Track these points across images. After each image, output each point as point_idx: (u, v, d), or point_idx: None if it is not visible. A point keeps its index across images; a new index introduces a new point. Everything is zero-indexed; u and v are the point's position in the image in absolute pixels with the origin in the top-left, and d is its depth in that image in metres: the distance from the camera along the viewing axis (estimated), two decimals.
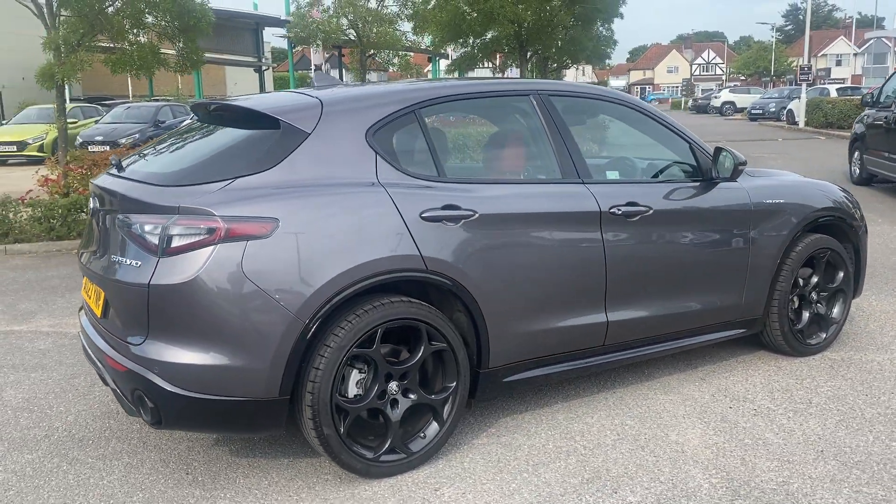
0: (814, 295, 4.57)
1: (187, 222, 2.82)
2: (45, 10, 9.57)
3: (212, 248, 2.80)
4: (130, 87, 33.24)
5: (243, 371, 2.85)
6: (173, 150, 3.39)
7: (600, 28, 20.54)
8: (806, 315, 4.54)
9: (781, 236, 4.26)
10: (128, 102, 22.93)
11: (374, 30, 16.62)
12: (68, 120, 20.12)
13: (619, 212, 3.64)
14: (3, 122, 23.41)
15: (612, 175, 4.04)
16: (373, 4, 17.63)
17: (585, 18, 18.29)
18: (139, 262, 2.89)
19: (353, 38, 17.57)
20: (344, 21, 16.77)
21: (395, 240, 3.05)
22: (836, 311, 4.69)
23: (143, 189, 3.01)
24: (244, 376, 2.86)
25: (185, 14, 9.80)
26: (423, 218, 3.13)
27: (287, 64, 40.36)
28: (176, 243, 2.82)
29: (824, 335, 4.63)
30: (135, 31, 9.94)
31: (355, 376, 3.10)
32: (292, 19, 19.53)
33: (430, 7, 16.90)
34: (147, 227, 2.88)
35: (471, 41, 17.92)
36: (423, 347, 3.18)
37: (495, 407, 3.87)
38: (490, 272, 3.30)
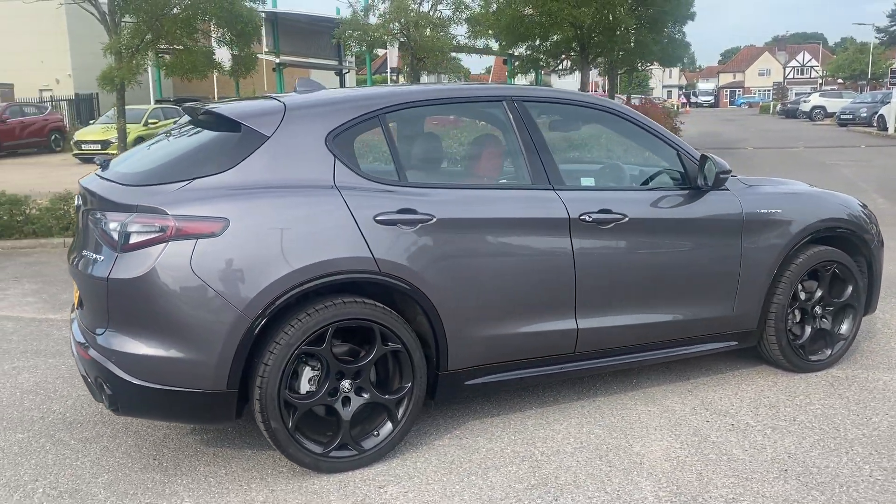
0: (818, 309, 4.40)
1: (143, 220, 2.98)
2: (107, 17, 10.15)
3: (163, 245, 2.95)
4: (216, 89, 34.53)
5: (191, 364, 2.99)
6: (152, 151, 3.57)
7: (672, 31, 20.07)
8: (808, 330, 4.38)
9: (778, 247, 4.13)
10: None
11: (426, 33, 16.72)
12: (150, 120, 21.19)
13: (590, 219, 3.61)
14: (91, 122, 24.74)
15: (596, 182, 4.00)
16: (425, 8, 17.80)
17: (652, 21, 17.93)
18: (102, 257, 3.07)
19: (402, 40, 17.79)
20: (396, 25, 16.99)
21: (346, 242, 3.13)
22: (844, 327, 4.50)
23: (113, 188, 3.19)
24: (192, 369, 2.99)
25: (233, 20, 10.20)
26: (378, 221, 3.20)
27: (373, 66, 41.07)
28: (133, 240, 2.98)
29: (829, 351, 4.44)
30: (189, 36, 10.38)
31: (308, 373, 3.20)
32: (341, 24, 19.90)
33: (490, 11, 16.91)
34: (111, 225, 3.05)
35: (537, 43, 17.84)
36: (375, 348, 3.25)
37: (467, 409, 3.91)
38: (448, 276, 3.34)
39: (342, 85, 42.29)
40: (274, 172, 3.16)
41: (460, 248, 3.37)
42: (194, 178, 3.08)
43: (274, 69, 34.96)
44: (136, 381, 3.00)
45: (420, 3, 17.70)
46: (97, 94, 32.84)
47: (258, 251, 3.01)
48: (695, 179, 3.96)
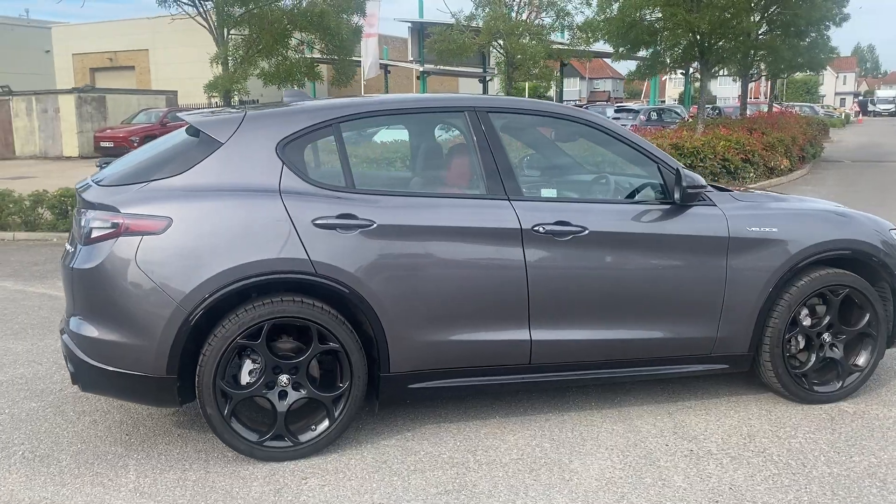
0: (826, 336, 4.09)
1: (101, 217, 3.32)
2: (215, 29, 11.05)
3: (114, 240, 3.27)
4: (363, 90, 36.01)
5: (135, 349, 3.28)
6: (138, 155, 3.91)
7: (817, 34, 18.73)
8: (812, 358, 4.07)
9: (771, 268, 3.88)
10: None
11: (524, 40, 16.61)
12: None
13: (544, 230, 3.58)
14: None
15: (561, 193, 3.95)
16: (523, 16, 17.69)
17: (784, 26, 16.81)
18: (73, 249, 3.44)
19: (498, 49, 17.82)
20: (496, 30, 17.01)
21: (282, 243, 3.31)
22: (861, 358, 4.14)
23: (92, 188, 3.55)
24: (135, 354, 3.29)
25: (323, 32, 10.75)
26: (316, 225, 3.36)
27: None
28: (93, 234, 3.32)
29: (840, 384, 4.11)
30: (286, 47, 11.08)
31: (249, 366, 3.41)
32: (433, 35, 20.15)
33: (603, 18, 16.57)
34: (82, 221, 3.41)
35: (659, 48, 17.30)
36: (311, 346, 3.41)
37: (430, 412, 3.97)
38: (389, 280, 3.44)
39: (485, 91, 42.77)
40: (223, 176, 3.40)
41: (402, 253, 3.46)
42: (152, 180, 3.38)
43: (418, 77, 35.97)
44: (91, 362, 3.34)
45: (518, 12, 17.70)
46: (257, 100, 35.27)
47: (196, 249, 3.26)
48: (672, 194, 3.82)
